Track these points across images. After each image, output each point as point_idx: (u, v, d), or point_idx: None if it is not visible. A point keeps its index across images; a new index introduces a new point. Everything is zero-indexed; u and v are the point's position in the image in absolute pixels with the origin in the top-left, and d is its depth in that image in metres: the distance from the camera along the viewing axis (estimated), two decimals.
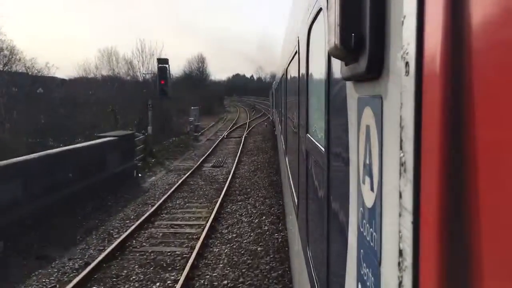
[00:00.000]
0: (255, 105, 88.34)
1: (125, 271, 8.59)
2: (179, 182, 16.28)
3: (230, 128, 41.56)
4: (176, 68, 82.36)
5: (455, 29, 0.64)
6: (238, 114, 68.26)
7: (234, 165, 20.12)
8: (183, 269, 8.43)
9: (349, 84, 1.43)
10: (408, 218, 0.79)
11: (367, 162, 1.17)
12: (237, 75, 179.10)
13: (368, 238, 1.17)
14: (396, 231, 0.87)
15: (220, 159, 22.40)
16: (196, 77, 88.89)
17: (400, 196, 0.83)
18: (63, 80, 50.03)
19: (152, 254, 9.47)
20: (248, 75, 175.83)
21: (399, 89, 0.85)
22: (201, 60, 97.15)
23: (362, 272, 1.25)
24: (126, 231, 10.66)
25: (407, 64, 0.80)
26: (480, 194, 0.59)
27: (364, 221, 1.21)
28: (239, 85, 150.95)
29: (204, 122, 46.49)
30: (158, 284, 8.05)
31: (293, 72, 5.44)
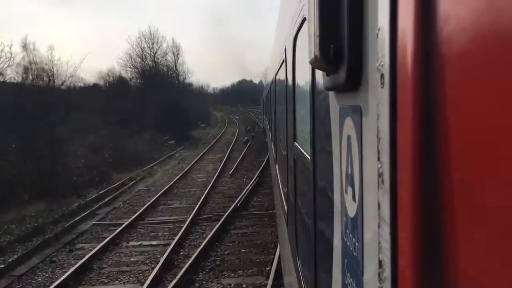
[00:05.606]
0: (256, 122, 53.00)
1: None
2: None
3: None
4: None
5: (427, 41, 0.65)
6: (210, 147, 32.04)
7: None
8: None
9: (331, 94, 1.44)
10: (386, 229, 0.79)
11: (349, 172, 1.17)
12: (244, 80, 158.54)
13: (351, 248, 1.17)
14: (376, 241, 0.87)
15: None
16: (149, 70, 48.19)
17: (379, 207, 0.84)
18: None
19: None
20: (256, 81, 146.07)
21: (376, 100, 0.86)
22: (172, 46, 55.32)
23: (346, 282, 1.25)
24: None
25: (382, 76, 0.80)
26: (455, 204, 0.60)
27: (348, 230, 1.22)
28: (245, 93, 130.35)
29: None
30: None
31: (281, 81, 5.46)
